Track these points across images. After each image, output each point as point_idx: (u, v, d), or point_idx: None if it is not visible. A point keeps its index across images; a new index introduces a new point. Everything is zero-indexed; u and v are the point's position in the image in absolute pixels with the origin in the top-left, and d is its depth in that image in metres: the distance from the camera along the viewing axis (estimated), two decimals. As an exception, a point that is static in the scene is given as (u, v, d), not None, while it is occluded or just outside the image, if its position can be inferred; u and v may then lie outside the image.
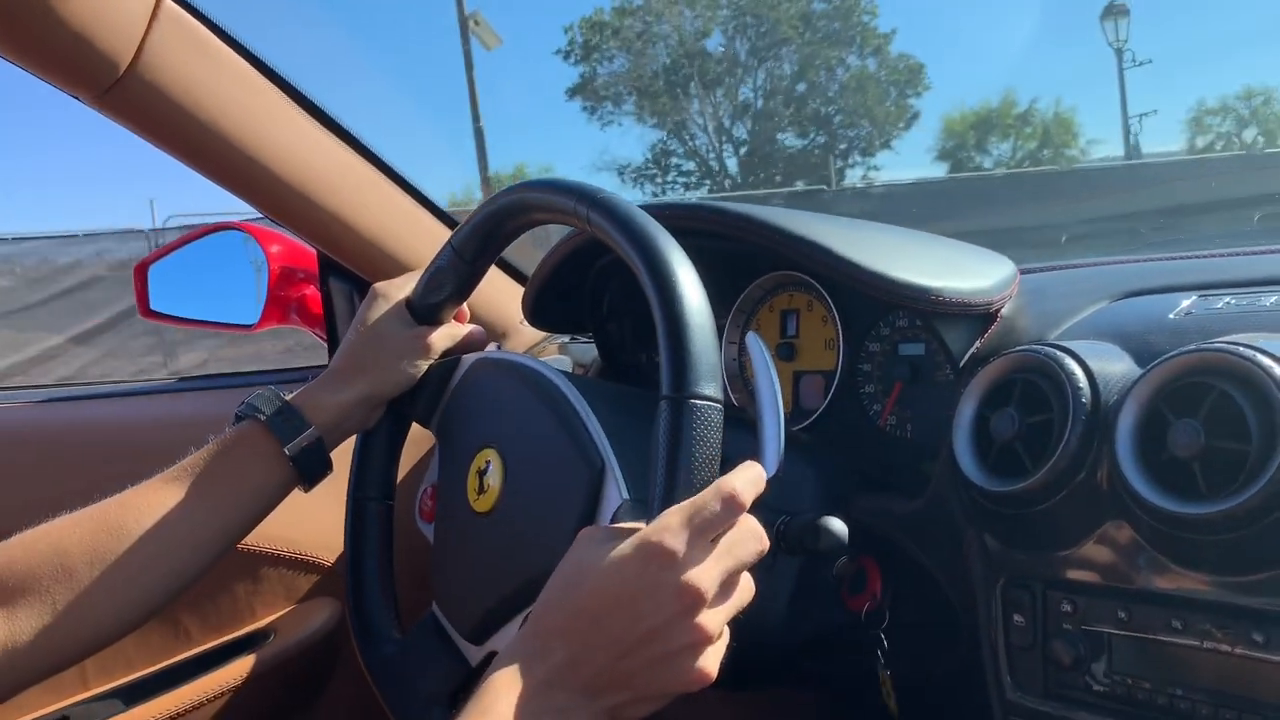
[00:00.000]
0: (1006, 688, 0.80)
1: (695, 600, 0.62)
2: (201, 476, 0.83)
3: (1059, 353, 0.78)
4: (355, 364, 0.91)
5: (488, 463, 0.84)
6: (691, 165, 21.91)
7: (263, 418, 0.86)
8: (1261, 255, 0.99)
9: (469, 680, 0.83)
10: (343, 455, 0.92)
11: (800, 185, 18.16)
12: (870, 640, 0.92)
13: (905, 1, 27.67)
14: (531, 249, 1.24)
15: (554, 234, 1.02)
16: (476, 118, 13.14)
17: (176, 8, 1.00)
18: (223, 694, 1.18)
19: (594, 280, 1.20)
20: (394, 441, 0.96)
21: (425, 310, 0.92)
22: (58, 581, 0.76)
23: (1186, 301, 0.85)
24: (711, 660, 0.65)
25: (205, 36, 1.03)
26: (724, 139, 21.53)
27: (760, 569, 0.68)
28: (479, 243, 0.89)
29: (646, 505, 0.66)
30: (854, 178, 20.82)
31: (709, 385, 0.66)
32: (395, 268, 1.26)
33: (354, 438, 0.95)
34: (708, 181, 21.36)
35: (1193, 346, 0.71)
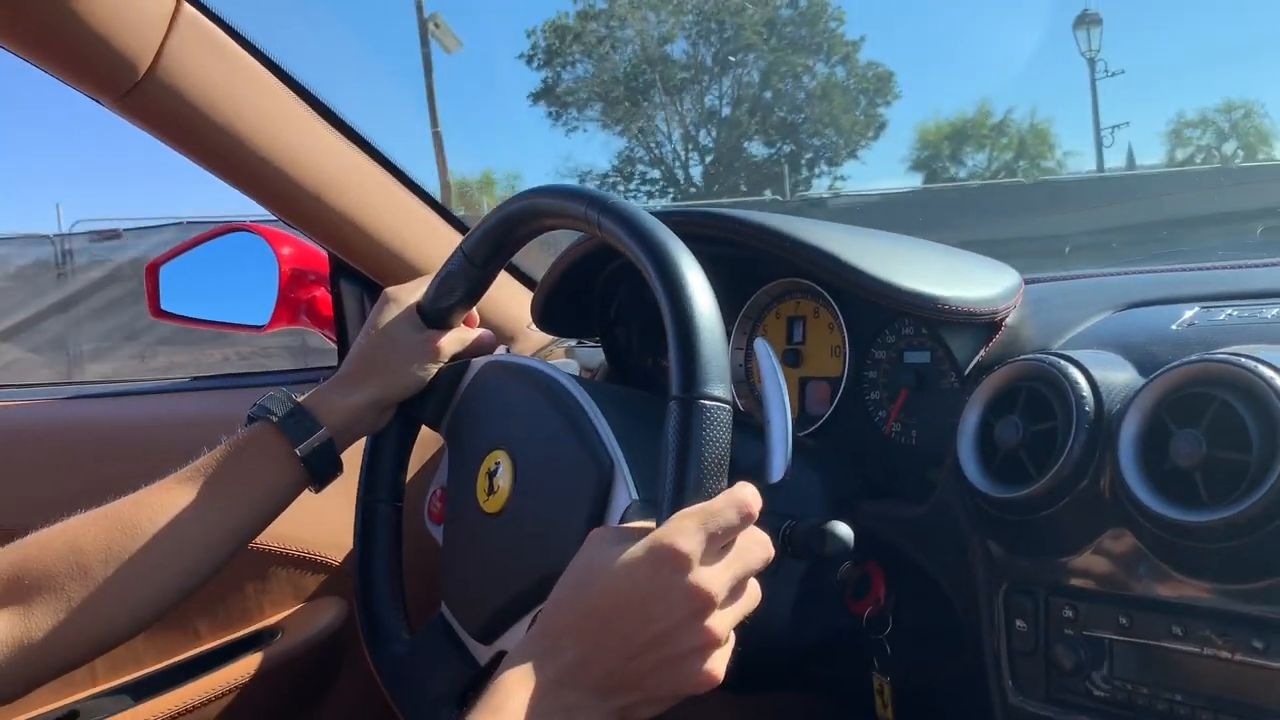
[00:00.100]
0: (1008, 692, 0.81)
1: (706, 604, 0.63)
2: (214, 476, 0.84)
3: (1063, 362, 0.79)
4: (366, 367, 0.92)
5: (497, 464, 0.85)
6: (657, 174, 21.59)
7: (275, 419, 0.87)
8: (1263, 268, 0.99)
9: (478, 680, 0.83)
10: (352, 456, 0.93)
11: (768, 195, 17.77)
12: (872, 645, 0.93)
13: (877, 9, 27.45)
14: (539, 253, 1.25)
15: (562, 239, 1.03)
16: (435, 121, 12.90)
17: (195, 11, 1.01)
18: (230, 691, 1.19)
19: (602, 285, 1.21)
20: (403, 444, 0.97)
21: (436, 314, 0.93)
22: (73, 579, 0.77)
23: (1189, 313, 0.86)
24: (719, 663, 0.66)
25: (223, 40, 1.05)
26: (690, 147, 21.26)
27: (765, 574, 0.69)
28: (490, 248, 0.90)
29: (655, 505, 0.67)
30: (821, 187, 20.53)
31: (718, 386, 0.67)
32: (405, 270, 1.27)
33: (364, 441, 0.96)
34: (672, 190, 21.01)
35: (1195, 357, 0.72)
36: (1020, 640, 0.80)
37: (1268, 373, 0.67)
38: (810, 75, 20.88)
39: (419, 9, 13.12)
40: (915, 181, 20.35)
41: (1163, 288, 0.95)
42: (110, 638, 0.80)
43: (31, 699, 0.79)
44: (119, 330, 8.97)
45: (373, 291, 1.33)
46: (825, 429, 1.02)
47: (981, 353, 0.92)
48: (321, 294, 1.40)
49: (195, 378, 1.54)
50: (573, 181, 4.92)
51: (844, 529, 0.77)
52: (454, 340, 0.95)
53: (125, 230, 9.48)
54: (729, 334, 1.11)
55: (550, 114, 21.27)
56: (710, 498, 0.66)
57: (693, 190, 20.80)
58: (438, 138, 12.77)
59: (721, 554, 0.65)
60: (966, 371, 0.92)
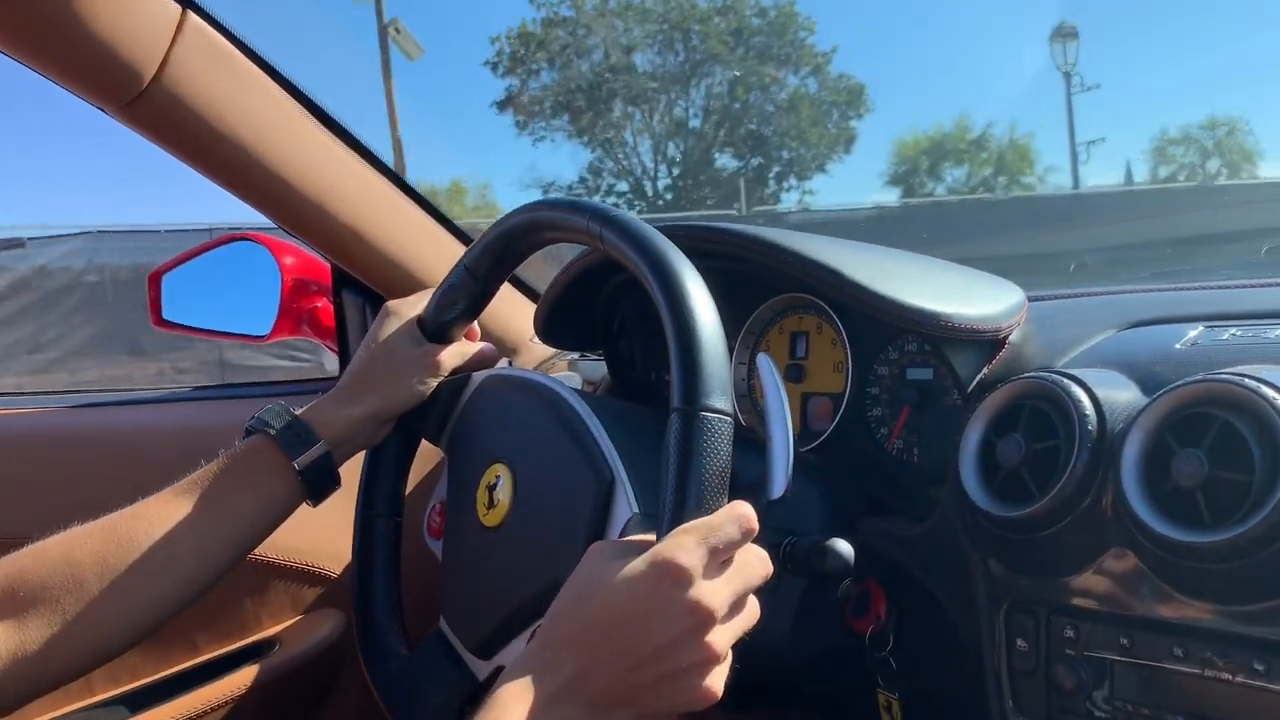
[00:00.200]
0: (1009, 712, 0.81)
1: (706, 619, 0.63)
2: (211, 489, 0.84)
3: (1066, 380, 0.78)
4: (365, 380, 0.92)
5: (497, 477, 0.85)
6: (625, 185, 21.29)
7: (272, 432, 0.87)
8: (1268, 288, 0.99)
9: (476, 695, 0.83)
10: (351, 469, 0.93)
11: (736, 209, 17.45)
12: (874, 663, 0.92)
13: (851, 20, 27.13)
14: (543, 266, 1.25)
15: (567, 251, 1.03)
16: (394, 125, 12.85)
17: (200, 21, 1.01)
18: (227, 703, 1.19)
19: (606, 298, 1.21)
20: (402, 458, 0.97)
21: (437, 328, 0.93)
22: (68, 592, 0.77)
23: (1193, 332, 0.86)
24: (718, 679, 0.65)
25: (228, 50, 1.05)
26: (659, 158, 20.98)
27: (765, 590, 0.69)
28: (491, 261, 0.90)
29: (656, 519, 0.67)
30: (790, 202, 20.33)
31: (719, 398, 0.67)
32: (408, 281, 1.27)
33: (363, 454, 0.96)
34: (640, 202, 20.63)
35: (1198, 377, 0.71)
36: (1021, 659, 0.80)
37: (1271, 393, 0.67)
38: (779, 86, 20.55)
39: (379, 14, 13.11)
40: (892, 196, 20.29)
41: (1167, 307, 0.95)
42: (106, 650, 0.80)
43: (28, 709, 0.78)
44: (21, 344, 8.81)
45: (375, 303, 1.33)
46: (827, 445, 1.02)
47: (984, 370, 0.92)
48: (324, 304, 1.40)
49: (197, 387, 1.54)
50: (537, 193, 4.90)
51: (845, 546, 0.76)
52: (454, 354, 0.94)
53: (29, 239, 9.36)
54: (731, 349, 1.11)
55: (517, 123, 21.05)
56: (711, 512, 0.65)
57: (660, 203, 20.53)
58: (398, 143, 12.76)
59: (722, 569, 0.65)
60: (969, 389, 0.91)
